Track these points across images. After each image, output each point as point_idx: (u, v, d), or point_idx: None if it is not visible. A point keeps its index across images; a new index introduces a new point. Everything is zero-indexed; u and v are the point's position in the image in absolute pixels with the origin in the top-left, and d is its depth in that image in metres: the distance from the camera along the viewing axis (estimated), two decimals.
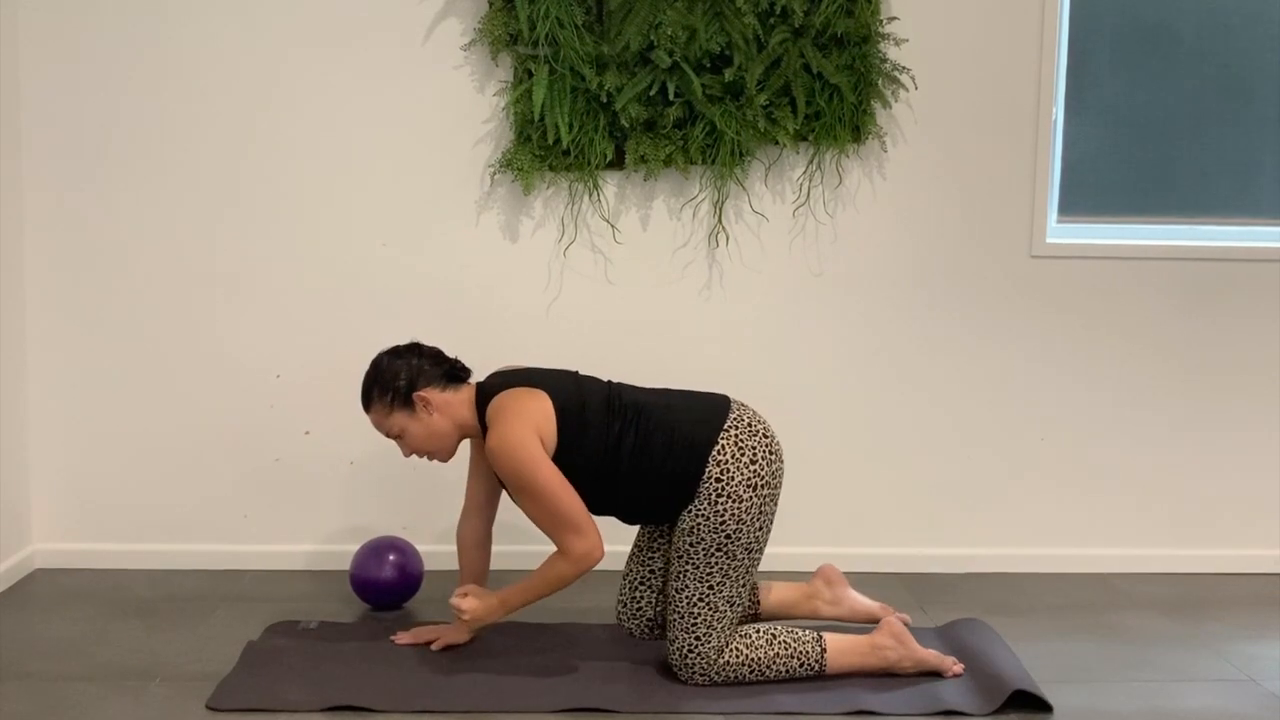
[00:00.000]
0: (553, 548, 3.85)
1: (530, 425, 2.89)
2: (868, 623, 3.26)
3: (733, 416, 2.97)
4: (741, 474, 2.91)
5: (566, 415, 2.93)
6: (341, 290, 3.82)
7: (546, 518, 2.90)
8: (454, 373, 3.08)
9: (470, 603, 2.98)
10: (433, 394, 3.02)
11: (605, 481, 2.97)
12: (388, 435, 3.08)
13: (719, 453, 2.91)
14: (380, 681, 2.97)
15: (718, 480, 2.90)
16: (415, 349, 3.08)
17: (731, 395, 3.11)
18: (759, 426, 2.99)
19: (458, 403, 3.04)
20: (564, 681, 2.98)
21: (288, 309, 3.82)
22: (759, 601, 3.27)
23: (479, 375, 3.15)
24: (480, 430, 3.03)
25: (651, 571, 3.19)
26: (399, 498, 3.83)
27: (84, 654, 3.16)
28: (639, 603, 3.20)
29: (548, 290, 3.86)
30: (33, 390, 3.82)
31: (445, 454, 3.10)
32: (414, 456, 3.12)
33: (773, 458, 2.97)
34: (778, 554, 3.73)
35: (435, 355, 3.08)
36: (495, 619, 3.03)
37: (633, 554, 3.24)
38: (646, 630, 3.21)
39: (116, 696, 2.90)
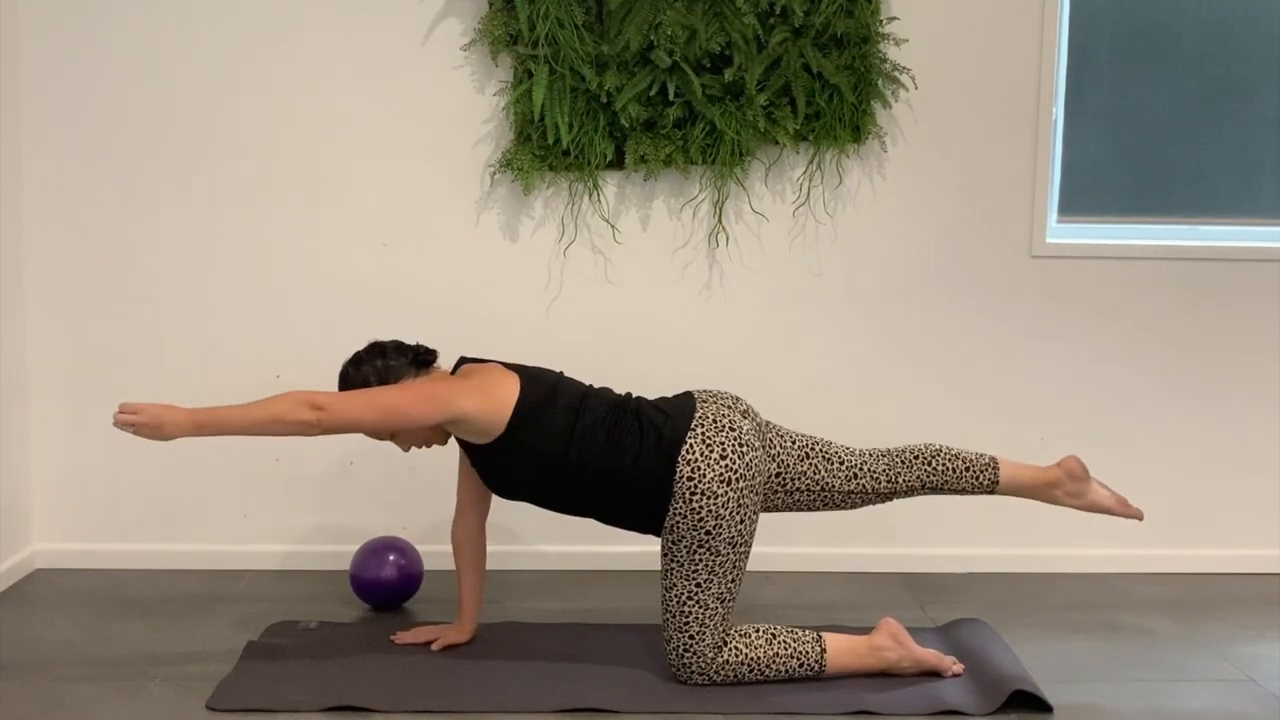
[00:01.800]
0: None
1: (472, 392, 2.89)
2: (1105, 513, 3.21)
3: (698, 415, 2.97)
4: (713, 470, 2.91)
5: (529, 397, 2.92)
6: (341, 290, 3.82)
7: (368, 396, 2.89)
8: (420, 359, 3.08)
9: (150, 409, 2.72)
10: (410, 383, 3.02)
11: (572, 477, 2.94)
12: (380, 439, 3.08)
13: (687, 451, 2.91)
14: (380, 681, 2.97)
15: (689, 479, 2.90)
16: (376, 350, 3.08)
17: (704, 389, 3.11)
18: (724, 421, 2.97)
19: None
20: (564, 681, 2.98)
21: (288, 309, 3.82)
22: (997, 473, 3.16)
23: None
24: None
25: (798, 497, 3.14)
26: (399, 498, 3.83)
27: (84, 654, 3.16)
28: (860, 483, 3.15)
29: (548, 290, 3.86)
30: (33, 390, 3.82)
31: (439, 440, 3.09)
32: (413, 450, 3.12)
33: (744, 449, 2.95)
34: (777, 554, 3.74)
35: (397, 348, 3.08)
36: (181, 430, 2.73)
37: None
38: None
39: (116, 696, 2.90)
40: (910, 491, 3.14)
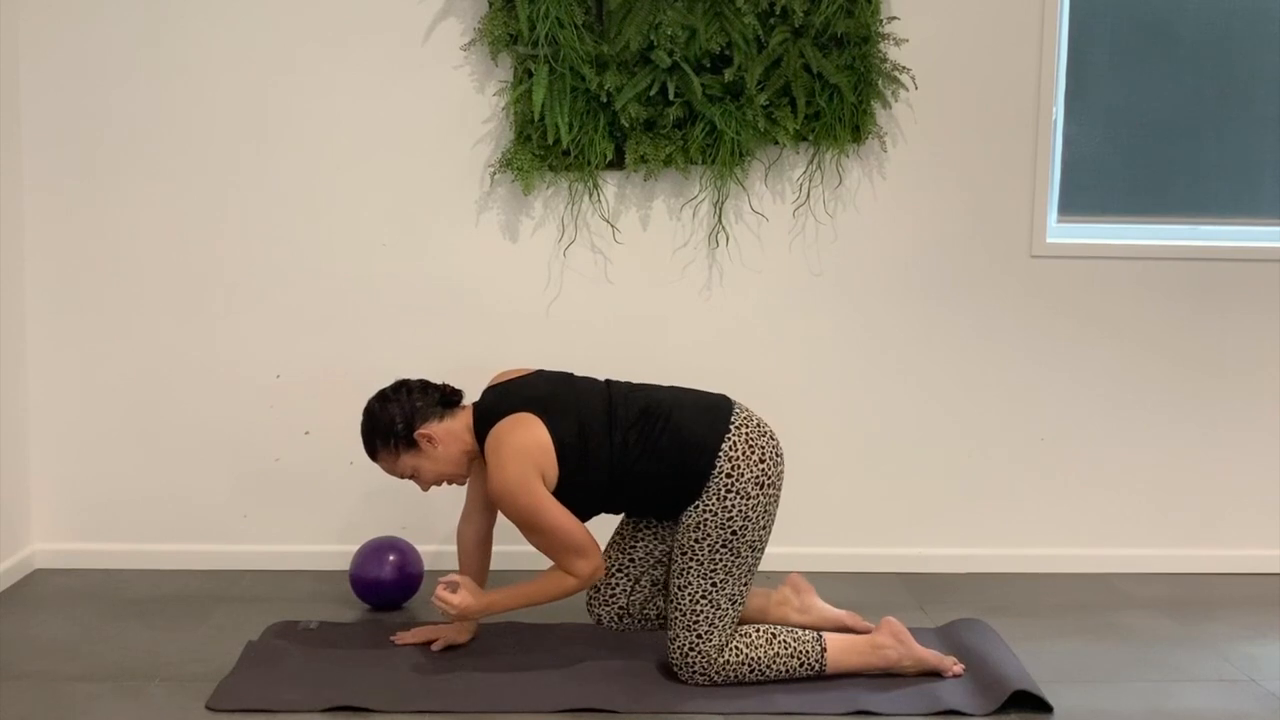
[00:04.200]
0: None
1: (529, 462, 2.88)
2: (836, 630, 3.15)
3: (741, 416, 2.99)
4: (751, 471, 2.92)
5: (566, 445, 2.91)
6: (342, 290, 3.82)
7: (555, 548, 2.92)
8: (447, 399, 3.07)
9: (461, 597, 2.95)
10: (433, 428, 3.01)
11: (612, 488, 2.98)
12: (401, 477, 3.08)
13: (731, 449, 2.92)
14: (380, 682, 2.97)
15: (728, 476, 2.91)
16: (402, 387, 3.07)
17: (731, 396, 3.11)
18: (766, 428, 3.01)
19: (459, 429, 3.03)
20: (564, 681, 2.98)
21: (288, 309, 3.82)
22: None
23: (478, 377, 3.15)
24: (480, 452, 3.02)
25: (631, 560, 3.14)
26: (399, 498, 3.82)
27: (84, 654, 3.16)
28: (612, 590, 3.14)
29: (548, 290, 3.86)
30: (33, 390, 3.82)
31: (461, 478, 3.11)
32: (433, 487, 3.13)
33: (778, 459, 2.99)
34: (777, 554, 3.72)
35: (424, 387, 3.07)
36: (478, 618, 3.07)
37: (613, 541, 3.18)
38: (615, 619, 3.14)
39: (116, 696, 2.90)
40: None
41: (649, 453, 2.94)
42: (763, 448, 2.95)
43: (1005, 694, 2.88)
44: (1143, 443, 3.97)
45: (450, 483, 3.11)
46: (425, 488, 3.10)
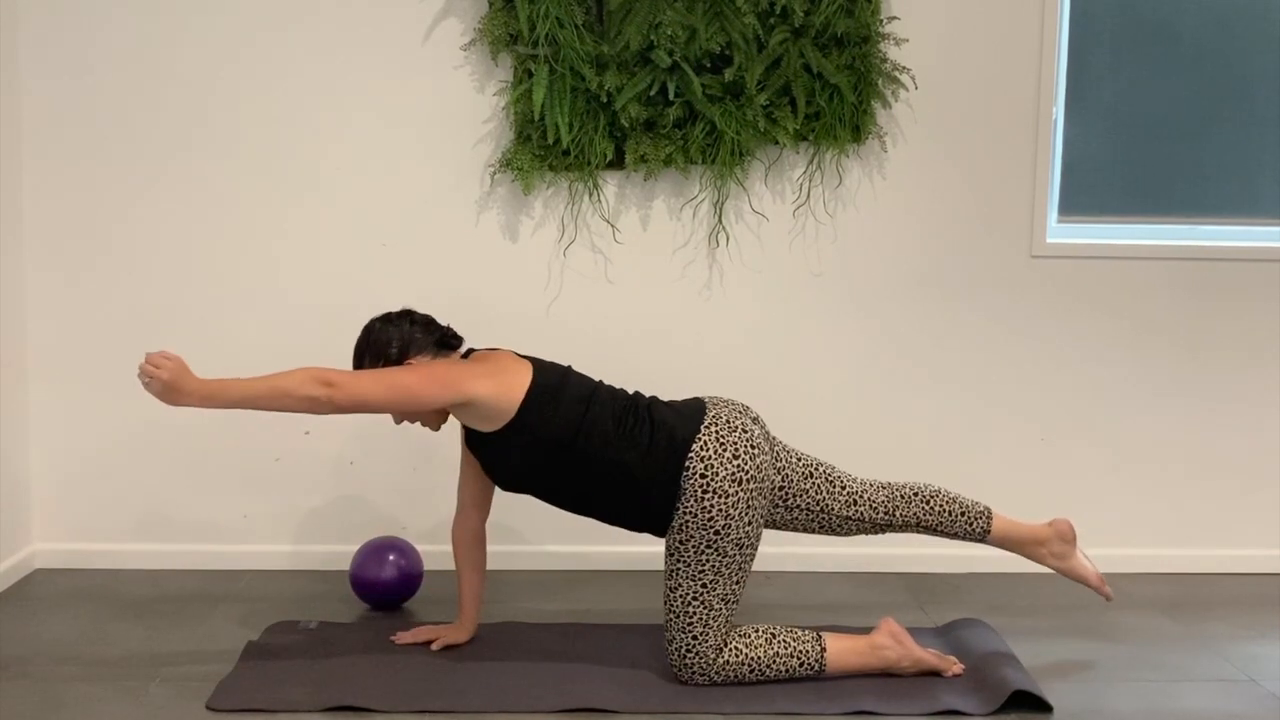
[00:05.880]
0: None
1: (484, 376, 2.89)
2: (1080, 582, 3.23)
3: (711, 415, 2.97)
4: (726, 469, 2.91)
5: (540, 384, 2.92)
6: (342, 290, 3.81)
7: (381, 376, 2.88)
8: (445, 340, 3.07)
9: (169, 365, 2.70)
10: (423, 362, 3.02)
11: (578, 469, 2.93)
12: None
13: (702, 448, 2.91)
14: (380, 681, 2.97)
15: (702, 476, 2.90)
16: (407, 315, 3.08)
17: (713, 394, 3.12)
18: (738, 423, 2.98)
19: None
20: (564, 681, 2.98)
21: (287, 309, 3.82)
22: (990, 523, 3.19)
23: None
24: None
25: (809, 519, 3.15)
26: (399, 498, 3.83)
27: (84, 654, 3.16)
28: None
29: (548, 290, 3.86)
30: (33, 390, 3.82)
31: (433, 424, 3.09)
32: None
33: (755, 452, 2.96)
34: (778, 554, 3.73)
35: (427, 323, 3.08)
36: (189, 402, 2.72)
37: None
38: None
39: (116, 696, 2.90)
40: (905, 527, 3.16)
41: (621, 440, 2.92)
42: (735, 444, 2.94)
43: (1005, 694, 2.88)
44: (1142, 442, 3.97)
45: (423, 424, 3.08)
46: (397, 421, 3.08)
